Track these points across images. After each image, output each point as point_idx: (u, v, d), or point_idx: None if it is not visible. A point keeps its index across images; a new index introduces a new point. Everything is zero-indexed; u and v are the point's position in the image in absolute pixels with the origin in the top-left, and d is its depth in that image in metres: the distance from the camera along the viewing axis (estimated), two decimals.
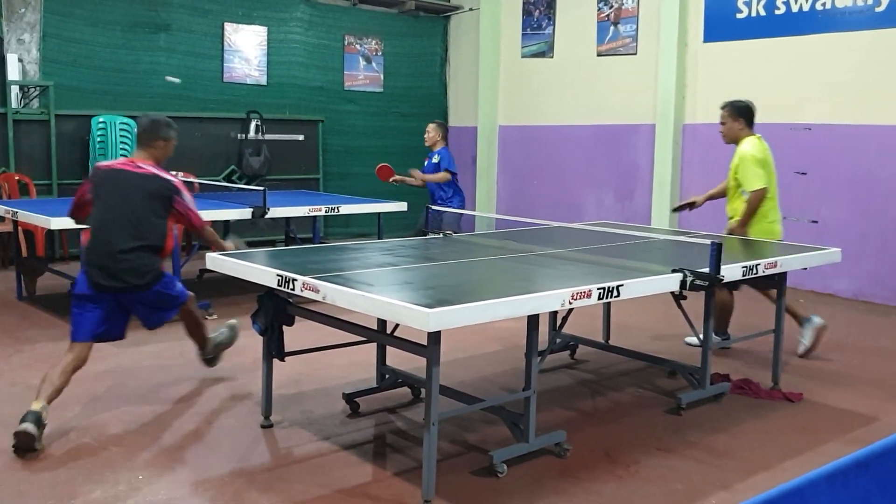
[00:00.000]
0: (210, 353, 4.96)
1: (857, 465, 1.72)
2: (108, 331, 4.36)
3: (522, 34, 10.98)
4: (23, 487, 3.46)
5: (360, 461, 3.84)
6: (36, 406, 3.87)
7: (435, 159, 8.12)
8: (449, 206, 7.95)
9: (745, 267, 4.30)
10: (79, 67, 9.17)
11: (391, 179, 8.25)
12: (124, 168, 4.36)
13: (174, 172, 9.24)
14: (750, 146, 5.65)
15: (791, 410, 4.69)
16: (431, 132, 8.20)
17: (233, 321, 5.06)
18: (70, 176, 9.03)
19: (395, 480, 3.62)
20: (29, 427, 3.75)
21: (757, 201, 5.57)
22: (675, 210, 6.59)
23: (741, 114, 5.74)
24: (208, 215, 6.95)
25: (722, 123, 5.82)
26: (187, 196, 4.46)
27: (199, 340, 4.89)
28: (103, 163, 4.52)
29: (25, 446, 3.78)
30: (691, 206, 6.18)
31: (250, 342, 5.26)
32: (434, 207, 6.26)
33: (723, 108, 5.86)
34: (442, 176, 8.02)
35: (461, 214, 7.60)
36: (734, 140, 5.78)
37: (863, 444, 1.80)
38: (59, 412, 4.34)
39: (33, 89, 8.94)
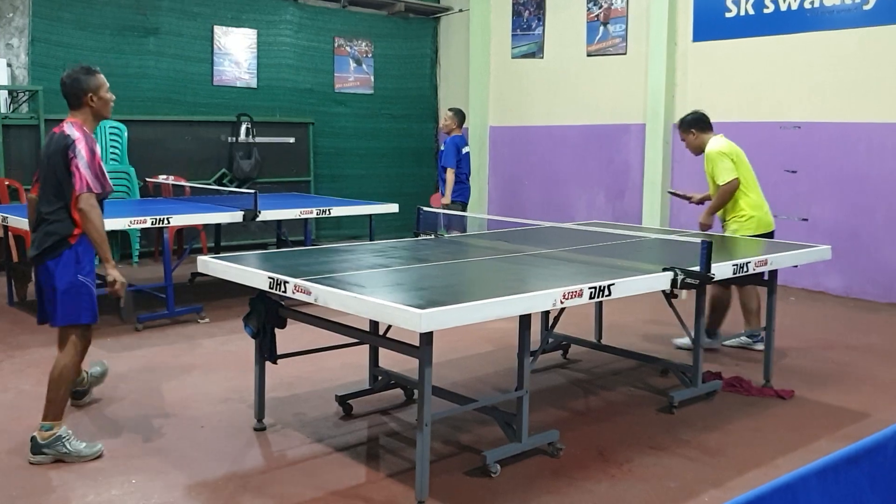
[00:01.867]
0: (44, 440, 3.75)
1: (848, 461, 1.73)
2: (44, 312, 3.98)
3: (512, 35, 10.99)
4: (15, 492, 3.45)
5: (353, 463, 3.84)
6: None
7: (442, 147, 8.23)
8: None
9: (736, 265, 4.31)
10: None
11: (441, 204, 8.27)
12: (54, 131, 3.92)
13: (164, 176, 9.29)
14: (712, 145, 5.83)
15: (782, 408, 4.71)
16: (447, 119, 8.30)
17: (99, 445, 3.88)
18: None
19: (389, 482, 3.62)
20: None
21: (729, 193, 5.70)
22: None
23: (693, 126, 5.96)
24: (200, 219, 6.94)
25: (683, 141, 6.05)
26: (83, 153, 3.76)
27: (51, 401, 3.79)
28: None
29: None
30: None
31: (242, 345, 5.26)
32: (425, 208, 6.25)
33: (678, 127, 6.12)
34: (451, 179, 8.05)
35: (449, 214, 7.62)
36: (701, 148, 5.95)
37: (854, 441, 1.81)
38: None
39: (22, 94, 8.91)
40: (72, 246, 3.80)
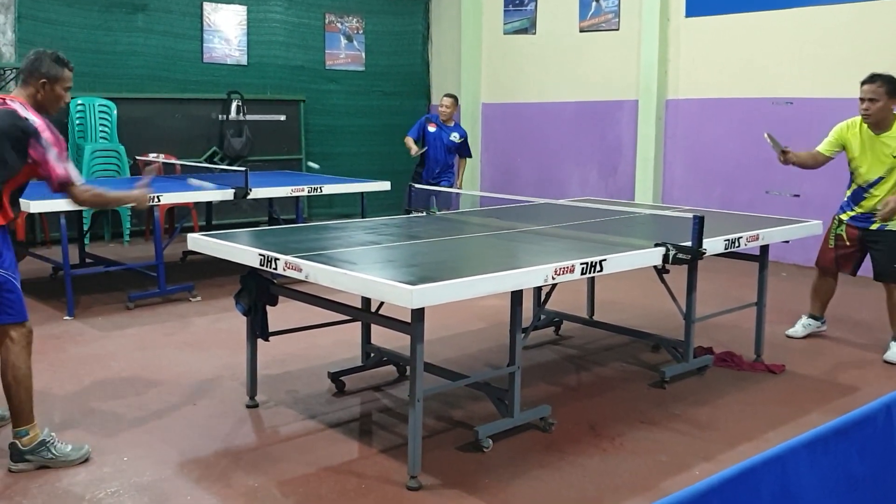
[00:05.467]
0: (26, 446, 3.44)
1: (837, 433, 1.74)
2: None
3: (504, 11, 10.91)
4: (4, 471, 3.44)
5: (345, 439, 3.85)
6: None
7: (456, 138, 8.20)
8: (446, 184, 8.01)
9: (728, 240, 4.31)
10: (55, 49, 9.03)
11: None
12: None
13: (154, 154, 9.23)
14: None
15: (773, 382, 4.73)
16: (450, 107, 8.23)
17: (86, 447, 3.60)
18: None
19: (381, 457, 3.63)
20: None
21: None
22: (770, 136, 5.29)
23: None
24: (191, 197, 6.90)
25: (871, 100, 4.92)
26: (48, 141, 3.40)
27: (15, 407, 3.46)
28: None
29: None
30: (783, 152, 5.25)
31: (234, 323, 5.25)
32: (417, 186, 6.22)
33: (873, 81, 4.93)
34: (465, 166, 8.43)
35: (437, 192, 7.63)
36: (880, 122, 4.94)
37: (844, 413, 1.82)
38: (44, 395, 4.31)
39: (9, 72, 8.81)
40: None
